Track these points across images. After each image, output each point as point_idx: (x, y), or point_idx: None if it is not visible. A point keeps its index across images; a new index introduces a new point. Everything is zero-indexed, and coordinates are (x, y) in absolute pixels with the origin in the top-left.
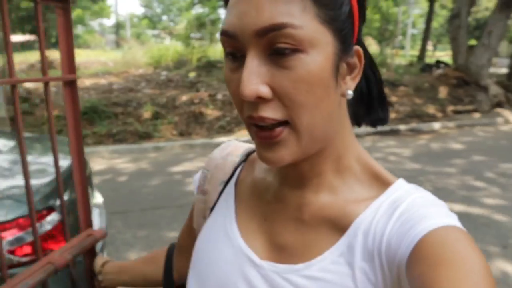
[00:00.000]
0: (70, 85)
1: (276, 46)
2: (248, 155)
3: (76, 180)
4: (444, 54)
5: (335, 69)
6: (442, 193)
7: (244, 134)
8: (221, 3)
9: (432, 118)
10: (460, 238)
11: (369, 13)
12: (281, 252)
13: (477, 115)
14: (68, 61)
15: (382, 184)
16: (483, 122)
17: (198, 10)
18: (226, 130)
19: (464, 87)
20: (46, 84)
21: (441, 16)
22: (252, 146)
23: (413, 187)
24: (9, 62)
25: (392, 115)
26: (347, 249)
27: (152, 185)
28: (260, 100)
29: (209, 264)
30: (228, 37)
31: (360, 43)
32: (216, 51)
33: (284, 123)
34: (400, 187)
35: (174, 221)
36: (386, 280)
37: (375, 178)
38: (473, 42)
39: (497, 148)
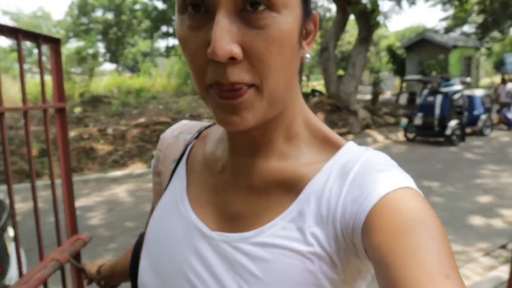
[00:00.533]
0: (61, 112)
1: (251, 1)
2: (200, 132)
3: (64, 192)
4: (317, 84)
5: (300, 33)
6: None
7: (138, 167)
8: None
9: None
10: (414, 201)
11: None
12: (232, 221)
13: (350, 136)
14: (59, 91)
15: (332, 147)
16: (356, 143)
17: (73, 44)
18: (120, 164)
19: (337, 112)
20: (26, 113)
21: (313, 49)
22: (203, 124)
23: (363, 148)
24: None
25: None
26: (298, 214)
27: (51, 222)
28: (230, 61)
29: (160, 239)
30: None
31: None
32: (99, 85)
33: (250, 84)
34: (350, 149)
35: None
36: (340, 247)
37: (325, 142)
38: (341, 72)
39: None
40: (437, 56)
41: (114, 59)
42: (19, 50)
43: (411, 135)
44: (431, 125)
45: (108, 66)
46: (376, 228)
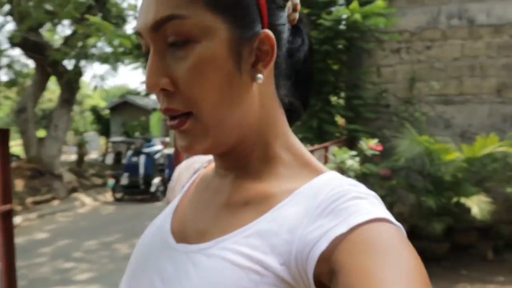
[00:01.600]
0: (5, 216)
1: (169, 40)
2: (210, 161)
3: None
4: (15, 144)
5: (236, 55)
6: (39, 283)
7: None
8: None
9: None
10: (387, 234)
11: None
12: (201, 236)
13: (56, 202)
14: (5, 191)
15: (311, 172)
16: (62, 208)
17: None
18: None
19: (39, 177)
20: None
21: (6, 105)
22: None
23: (342, 177)
24: None
25: None
26: (255, 232)
27: None
28: (165, 92)
29: (135, 255)
30: (138, 36)
31: (274, 27)
32: None
33: (189, 113)
34: (329, 176)
35: None
36: (290, 272)
37: (305, 167)
38: (42, 132)
39: (79, 229)
40: (139, 118)
41: None
42: None
43: (119, 195)
44: (136, 184)
45: None
46: (335, 265)
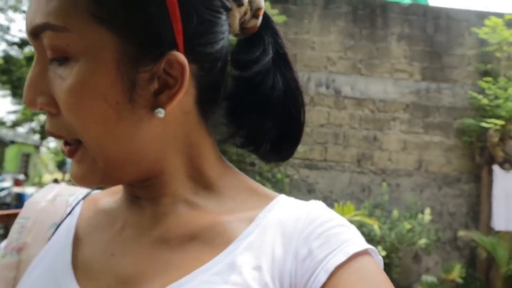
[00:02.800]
0: None
1: (47, 52)
2: (88, 194)
3: None
4: None
5: (127, 81)
6: None
7: None
8: None
9: None
10: (376, 266)
11: None
12: (134, 285)
13: None
14: None
15: (261, 197)
16: None
17: None
18: None
19: None
20: None
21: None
22: (87, 189)
23: (301, 201)
24: None
25: None
26: (228, 266)
27: None
28: (48, 111)
29: None
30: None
31: (199, 41)
32: None
33: (77, 140)
34: (287, 201)
35: None
36: None
37: (250, 192)
38: None
39: None
40: None
41: None
42: None
43: None
44: None
45: None
46: None
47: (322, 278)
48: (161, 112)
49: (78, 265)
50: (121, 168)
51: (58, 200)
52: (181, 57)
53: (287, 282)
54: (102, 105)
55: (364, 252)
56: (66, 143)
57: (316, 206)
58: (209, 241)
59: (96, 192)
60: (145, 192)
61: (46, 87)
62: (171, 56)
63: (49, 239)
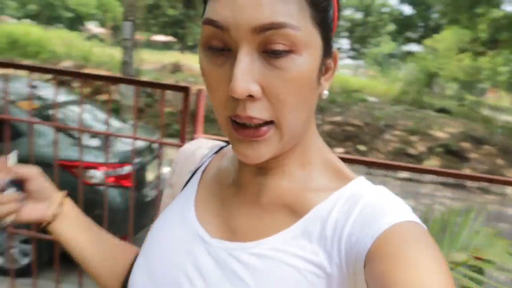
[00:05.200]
0: None
1: (272, 45)
2: (221, 148)
3: None
4: None
5: (320, 70)
6: None
7: None
8: None
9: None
10: (419, 234)
11: None
12: (234, 233)
13: None
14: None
15: (343, 178)
16: None
17: None
18: None
19: None
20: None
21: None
22: (221, 143)
23: (371, 184)
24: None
25: (466, 171)
26: (301, 233)
27: None
28: (249, 98)
29: (159, 241)
30: (217, 28)
31: None
32: None
33: (270, 122)
34: (360, 183)
35: None
36: (341, 273)
37: (335, 172)
38: None
39: None
40: None
41: (357, 56)
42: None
43: None
44: None
45: (349, 62)
46: (379, 258)
47: (367, 245)
48: (326, 94)
49: (197, 204)
50: (295, 140)
51: (198, 152)
52: (337, 52)
53: (343, 249)
54: (309, 89)
55: (407, 222)
56: (247, 127)
57: (379, 189)
58: (293, 210)
59: (228, 147)
60: (260, 163)
61: (256, 76)
62: (335, 53)
63: (187, 182)
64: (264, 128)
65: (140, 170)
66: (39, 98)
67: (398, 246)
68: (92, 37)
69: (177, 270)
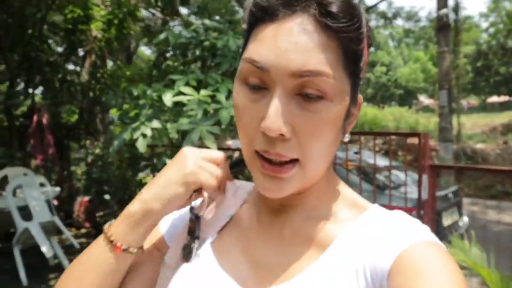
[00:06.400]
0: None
1: (306, 90)
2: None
3: None
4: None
5: (346, 117)
6: None
7: None
8: None
9: None
10: (436, 252)
11: None
12: (264, 274)
13: None
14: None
15: (359, 208)
16: None
17: None
18: None
19: None
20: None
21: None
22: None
23: (387, 210)
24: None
25: None
26: (326, 266)
27: None
28: (280, 137)
29: None
30: (257, 68)
31: None
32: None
33: (295, 160)
34: (376, 210)
35: None
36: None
37: (352, 204)
38: None
39: None
40: None
41: None
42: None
43: None
44: None
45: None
46: (400, 271)
47: (389, 263)
48: (347, 138)
49: (215, 249)
50: (316, 178)
51: (237, 193)
52: (361, 98)
53: (368, 274)
54: (335, 134)
55: (425, 241)
56: (273, 163)
57: (396, 213)
58: (317, 242)
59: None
60: (283, 199)
61: (289, 117)
62: (359, 101)
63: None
64: (289, 165)
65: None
66: (363, 161)
67: (417, 260)
68: (423, 108)
69: None
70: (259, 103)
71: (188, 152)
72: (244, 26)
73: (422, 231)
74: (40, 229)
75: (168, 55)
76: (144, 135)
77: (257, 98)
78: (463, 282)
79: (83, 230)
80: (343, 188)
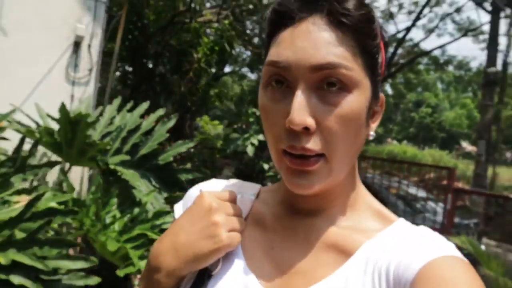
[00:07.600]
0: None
1: (327, 81)
2: (259, 192)
3: None
4: None
5: (368, 112)
6: None
7: None
8: None
9: None
10: (458, 267)
11: None
12: (289, 277)
13: None
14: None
15: (386, 220)
16: None
17: None
18: None
19: None
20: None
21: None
22: (256, 184)
23: (414, 225)
24: None
25: None
26: (351, 272)
27: None
28: (304, 131)
29: None
30: (279, 68)
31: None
32: None
33: (320, 154)
34: (403, 223)
35: None
36: None
37: (378, 215)
38: None
39: None
40: None
41: None
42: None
43: None
44: None
45: None
46: (423, 282)
47: (410, 278)
48: (372, 136)
49: (244, 250)
50: (342, 174)
51: (245, 197)
52: (383, 97)
53: (392, 284)
54: (357, 126)
55: (447, 256)
56: (298, 157)
57: (422, 228)
58: (343, 249)
59: (264, 188)
60: (307, 204)
61: (312, 110)
62: (382, 97)
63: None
64: (314, 159)
65: None
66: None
67: (441, 272)
68: (464, 154)
69: None
70: (283, 102)
71: (211, 203)
72: (264, 36)
73: (448, 246)
74: None
75: None
76: (252, 144)
77: (280, 98)
78: None
79: None
80: (370, 198)
